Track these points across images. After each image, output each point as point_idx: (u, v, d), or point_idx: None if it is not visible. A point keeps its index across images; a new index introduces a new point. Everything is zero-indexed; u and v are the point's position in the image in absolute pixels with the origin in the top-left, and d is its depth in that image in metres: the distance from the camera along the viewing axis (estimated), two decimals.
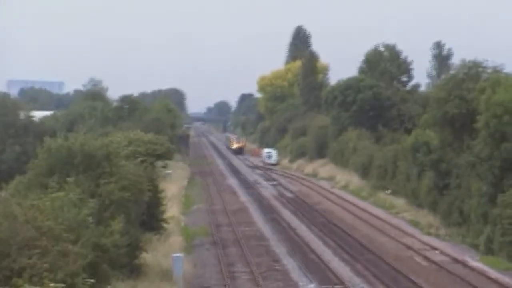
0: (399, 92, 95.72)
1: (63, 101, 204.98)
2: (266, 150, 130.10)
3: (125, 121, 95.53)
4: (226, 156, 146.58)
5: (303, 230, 54.98)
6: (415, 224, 56.49)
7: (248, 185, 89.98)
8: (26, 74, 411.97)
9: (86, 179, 29.28)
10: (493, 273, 39.18)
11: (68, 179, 27.78)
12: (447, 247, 47.34)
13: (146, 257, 35.95)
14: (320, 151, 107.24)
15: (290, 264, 42.09)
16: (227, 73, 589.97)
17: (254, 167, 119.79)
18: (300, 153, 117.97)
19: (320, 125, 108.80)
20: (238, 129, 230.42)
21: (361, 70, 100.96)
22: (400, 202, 65.12)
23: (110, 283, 25.24)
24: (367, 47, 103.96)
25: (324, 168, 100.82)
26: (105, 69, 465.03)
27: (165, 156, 63.90)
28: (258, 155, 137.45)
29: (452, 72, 56.61)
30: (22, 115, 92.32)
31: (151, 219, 41.21)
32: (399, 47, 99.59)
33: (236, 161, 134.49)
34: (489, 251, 44.42)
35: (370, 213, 62.95)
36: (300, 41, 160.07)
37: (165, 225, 44.70)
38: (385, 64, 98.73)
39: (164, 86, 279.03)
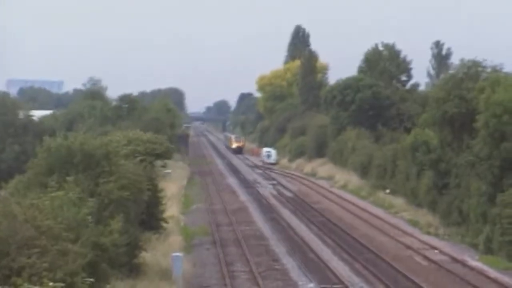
0: (398, 91, 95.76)
1: (62, 101, 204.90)
2: (265, 149, 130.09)
3: (124, 121, 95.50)
4: (226, 156, 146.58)
5: (302, 229, 54.98)
6: (414, 223, 56.50)
7: (247, 185, 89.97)
8: (25, 74, 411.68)
9: (86, 178, 29.27)
10: (492, 273, 39.18)
11: (67, 178, 27.76)
12: (447, 246, 47.35)
13: (146, 256, 35.94)
14: (319, 151, 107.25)
15: (289, 263, 42.09)
16: (227, 73, 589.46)
17: (254, 166, 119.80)
18: (299, 153, 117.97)
19: (319, 125, 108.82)
20: (238, 129, 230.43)
21: (361, 70, 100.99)
22: (399, 201, 65.12)
23: (110, 282, 25.24)
24: (367, 46, 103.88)
25: (323, 167, 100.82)
26: (105, 68, 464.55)
27: (165, 155, 63.84)
28: (257, 154, 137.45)
29: (451, 71, 56.62)
30: (21, 114, 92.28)
31: (150, 219, 41.21)
32: (399, 46, 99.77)
33: (235, 160, 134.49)
34: (488, 250, 44.42)
35: (369, 213, 62.96)
36: (299, 41, 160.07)
37: (164, 224, 44.70)
38: (384, 63, 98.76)
39: (164, 86, 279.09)
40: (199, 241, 49.51)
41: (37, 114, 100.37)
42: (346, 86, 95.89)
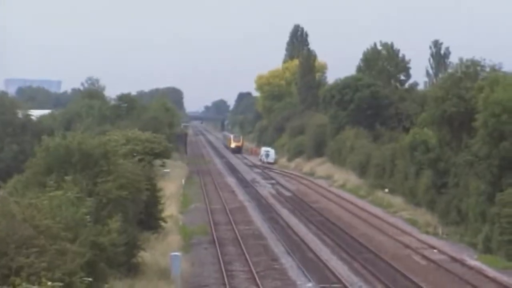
0: (397, 90, 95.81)
1: (60, 100, 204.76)
2: (264, 148, 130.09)
3: (123, 120, 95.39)
4: (224, 155, 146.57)
5: (301, 229, 54.96)
6: (413, 222, 56.50)
7: (246, 184, 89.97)
8: (24, 73, 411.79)
9: (84, 178, 29.23)
10: (491, 272, 39.18)
11: (66, 177, 27.72)
12: (445, 245, 47.35)
13: (144, 256, 35.89)
14: (318, 150, 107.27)
15: (288, 263, 42.07)
16: (225, 72, 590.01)
17: (252, 165, 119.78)
18: (298, 152, 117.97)
19: (318, 124, 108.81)
20: (236, 128, 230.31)
21: (359, 69, 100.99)
22: (398, 200, 65.13)
23: (108, 282, 25.19)
24: (365, 46, 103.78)
25: (322, 166, 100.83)
26: (103, 68, 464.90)
27: (163, 154, 63.80)
28: (256, 154, 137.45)
29: (450, 71, 56.66)
30: (20, 114, 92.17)
31: (149, 218, 41.18)
32: (397, 45, 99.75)
33: (234, 159, 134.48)
34: (487, 249, 44.42)
35: (368, 212, 62.98)
36: (297, 40, 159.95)
37: (163, 223, 44.67)
38: (383, 62, 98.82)
39: (162, 85, 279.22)
40: (197, 241, 49.49)
41: (35, 113, 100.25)
42: (345, 85, 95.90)
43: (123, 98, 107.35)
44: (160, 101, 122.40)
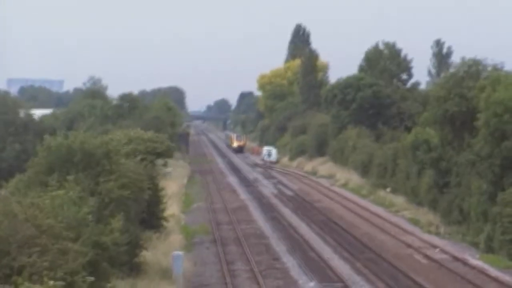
0: (399, 90, 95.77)
1: (62, 100, 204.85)
2: (266, 148, 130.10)
3: (125, 119, 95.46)
4: (226, 155, 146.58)
5: (303, 228, 54.97)
6: (415, 222, 56.49)
7: (248, 183, 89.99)
8: (26, 73, 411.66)
9: (86, 177, 29.25)
10: (493, 271, 39.17)
11: (68, 177, 27.73)
12: (447, 245, 47.34)
13: (146, 255, 35.92)
14: (320, 149, 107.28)
15: (290, 262, 42.07)
16: (227, 72, 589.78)
17: (254, 165, 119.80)
18: (300, 151, 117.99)
19: (320, 123, 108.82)
20: (238, 128, 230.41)
21: (361, 68, 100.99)
22: (400, 200, 65.14)
23: (110, 281, 25.21)
24: (367, 45, 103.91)
25: (324, 166, 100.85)
26: (105, 68, 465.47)
27: (165, 154, 63.72)
28: (258, 153, 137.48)
29: (452, 70, 56.59)
30: (22, 113, 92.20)
31: (151, 217, 41.20)
32: (399, 45, 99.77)
33: (236, 159, 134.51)
34: (489, 249, 44.40)
35: (370, 211, 62.98)
36: (299, 40, 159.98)
37: (165, 223, 44.72)
38: (385, 62, 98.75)
39: (164, 85, 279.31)
40: (199, 240, 49.52)
41: (37, 113, 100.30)
42: (347, 85, 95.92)
43: (125, 97, 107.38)
44: (162, 100, 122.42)
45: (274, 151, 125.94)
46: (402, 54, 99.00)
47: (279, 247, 47.08)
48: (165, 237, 43.59)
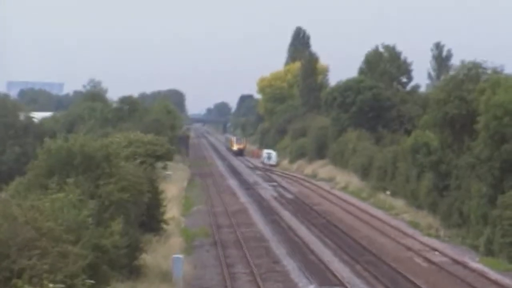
0: (398, 93, 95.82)
1: (62, 102, 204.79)
2: (265, 151, 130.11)
3: (125, 122, 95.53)
4: (226, 157, 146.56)
5: (303, 231, 54.96)
6: (414, 225, 56.49)
7: (248, 186, 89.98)
8: (26, 76, 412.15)
9: (86, 180, 29.27)
10: (493, 274, 39.14)
11: (67, 180, 27.75)
12: (447, 248, 47.33)
13: (146, 258, 35.92)
14: (320, 152, 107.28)
15: (290, 265, 42.06)
16: (227, 75, 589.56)
17: (254, 168, 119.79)
18: (299, 154, 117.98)
19: (319, 126, 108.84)
20: (238, 131, 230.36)
21: (361, 71, 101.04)
22: (399, 203, 65.12)
23: (110, 284, 25.21)
24: (367, 47, 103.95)
25: (323, 169, 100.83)
26: (105, 68, 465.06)
27: (165, 157, 63.77)
28: (258, 156, 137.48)
29: (452, 73, 56.63)
30: (22, 116, 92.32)
31: (151, 220, 41.22)
32: (399, 48, 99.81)
33: (235, 162, 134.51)
34: (489, 252, 44.39)
35: (370, 214, 62.96)
36: (299, 42, 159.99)
37: (165, 226, 44.72)
38: (385, 65, 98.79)
39: (164, 87, 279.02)
40: (199, 243, 49.50)
41: (37, 116, 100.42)
42: (347, 87, 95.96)
43: (125, 100, 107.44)
44: (162, 103, 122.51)
45: (274, 154, 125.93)
46: (402, 56, 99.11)
47: (279, 250, 47.07)
48: (165, 240, 43.57)
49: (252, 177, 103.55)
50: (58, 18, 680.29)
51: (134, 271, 33.19)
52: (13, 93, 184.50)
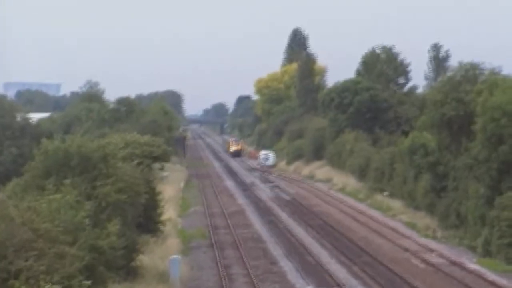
0: (396, 94, 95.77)
1: (60, 103, 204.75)
2: (263, 152, 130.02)
3: (122, 123, 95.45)
4: (223, 158, 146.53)
5: (300, 232, 54.93)
6: (412, 226, 56.46)
7: (245, 187, 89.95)
8: (23, 76, 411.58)
9: (83, 181, 29.25)
10: (490, 275, 39.14)
11: (64, 181, 27.72)
12: (444, 249, 47.30)
13: (143, 259, 35.89)
14: (317, 153, 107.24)
15: (287, 266, 42.04)
16: (225, 73, 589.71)
17: (251, 169, 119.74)
18: (297, 155, 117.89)
19: (317, 127, 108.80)
20: (235, 131, 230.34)
21: (358, 72, 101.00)
22: (397, 204, 65.10)
23: (107, 285, 25.19)
24: (365, 46, 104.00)
25: (321, 170, 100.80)
26: (103, 68, 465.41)
27: (162, 158, 63.74)
28: (255, 157, 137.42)
29: (449, 74, 56.61)
30: (19, 117, 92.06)
31: (148, 221, 41.18)
32: (397, 49, 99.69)
33: (233, 163, 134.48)
34: (486, 253, 44.36)
35: (367, 215, 62.93)
36: (297, 44, 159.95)
37: (162, 227, 44.67)
38: (382, 66, 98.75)
39: (162, 88, 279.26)
40: (196, 244, 49.47)
41: (34, 117, 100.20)
42: (344, 88, 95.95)
43: (122, 101, 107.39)
44: (159, 104, 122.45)
45: (271, 155, 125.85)
46: (399, 58, 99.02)
47: (276, 251, 47.05)
48: (162, 241, 43.54)
49: (249, 178, 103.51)
50: (58, 18, 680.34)
51: (131, 272, 33.15)
52: (10, 94, 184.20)
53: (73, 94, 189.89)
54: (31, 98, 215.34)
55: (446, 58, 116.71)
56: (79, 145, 30.57)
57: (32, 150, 33.03)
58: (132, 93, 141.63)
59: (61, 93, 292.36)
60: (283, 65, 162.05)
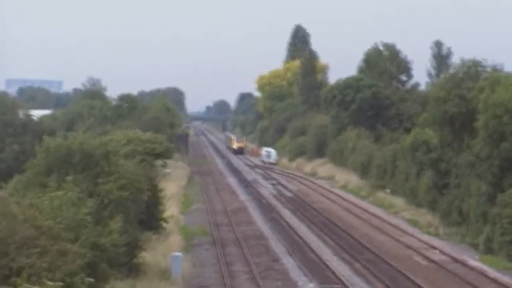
0: (398, 91, 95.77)
1: (62, 100, 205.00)
2: (265, 149, 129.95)
3: (124, 120, 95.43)
4: (225, 155, 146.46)
5: (302, 229, 54.92)
6: (414, 223, 56.47)
7: (247, 184, 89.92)
8: (24, 73, 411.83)
9: (85, 178, 29.22)
10: (492, 273, 39.14)
11: (66, 178, 27.70)
12: (446, 246, 47.31)
13: (145, 256, 35.89)
14: (319, 150, 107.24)
15: (289, 263, 42.03)
16: (226, 73, 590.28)
17: (253, 166, 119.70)
18: (299, 152, 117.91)
19: (319, 125, 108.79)
20: (237, 129, 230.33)
21: (360, 69, 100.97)
22: (399, 201, 65.10)
23: (109, 282, 25.18)
24: (367, 46, 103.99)
25: (323, 167, 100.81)
26: (104, 68, 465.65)
27: (164, 155, 63.72)
28: (257, 154, 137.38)
29: (451, 71, 56.59)
30: (21, 114, 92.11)
31: (150, 218, 41.18)
32: (399, 46, 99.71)
33: (235, 160, 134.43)
34: (488, 250, 44.38)
35: (369, 213, 62.93)
36: (299, 41, 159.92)
37: (164, 224, 44.68)
38: (384, 63, 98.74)
39: (164, 85, 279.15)
40: (198, 241, 49.47)
41: (36, 114, 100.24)
42: (346, 86, 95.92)
43: (124, 98, 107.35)
44: (161, 101, 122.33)
45: (273, 152, 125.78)
46: (402, 55, 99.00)
47: (279, 248, 47.04)
48: (164, 238, 43.54)
49: (252, 175, 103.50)
50: (58, 18, 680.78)
51: (133, 269, 33.17)
52: (12, 91, 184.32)
53: (75, 91, 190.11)
54: (33, 95, 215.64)
55: (448, 55, 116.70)
56: (81, 142, 30.55)
57: (34, 147, 33.01)
58: (134, 90, 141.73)
59: (63, 90, 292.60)
60: (286, 61, 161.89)
